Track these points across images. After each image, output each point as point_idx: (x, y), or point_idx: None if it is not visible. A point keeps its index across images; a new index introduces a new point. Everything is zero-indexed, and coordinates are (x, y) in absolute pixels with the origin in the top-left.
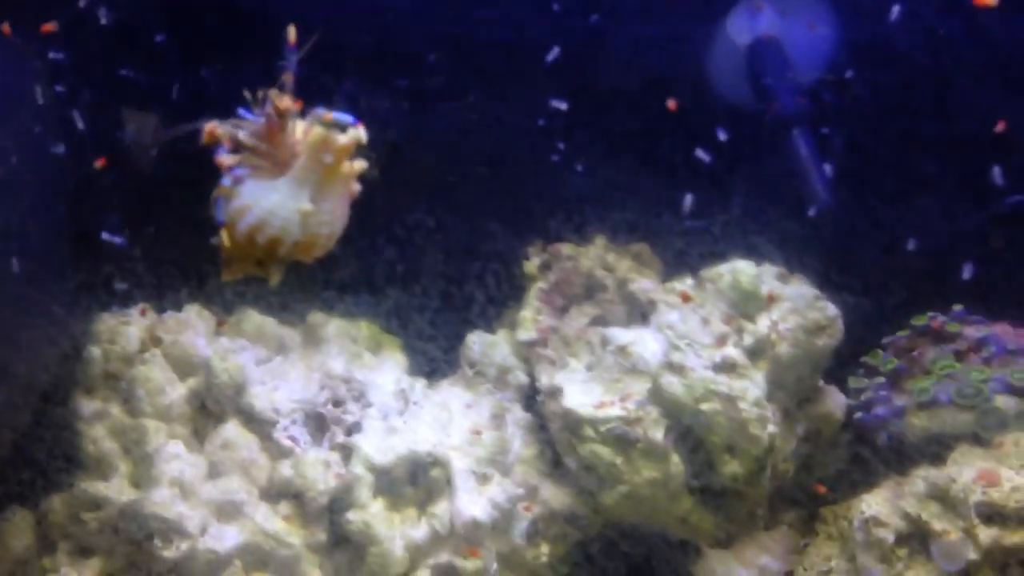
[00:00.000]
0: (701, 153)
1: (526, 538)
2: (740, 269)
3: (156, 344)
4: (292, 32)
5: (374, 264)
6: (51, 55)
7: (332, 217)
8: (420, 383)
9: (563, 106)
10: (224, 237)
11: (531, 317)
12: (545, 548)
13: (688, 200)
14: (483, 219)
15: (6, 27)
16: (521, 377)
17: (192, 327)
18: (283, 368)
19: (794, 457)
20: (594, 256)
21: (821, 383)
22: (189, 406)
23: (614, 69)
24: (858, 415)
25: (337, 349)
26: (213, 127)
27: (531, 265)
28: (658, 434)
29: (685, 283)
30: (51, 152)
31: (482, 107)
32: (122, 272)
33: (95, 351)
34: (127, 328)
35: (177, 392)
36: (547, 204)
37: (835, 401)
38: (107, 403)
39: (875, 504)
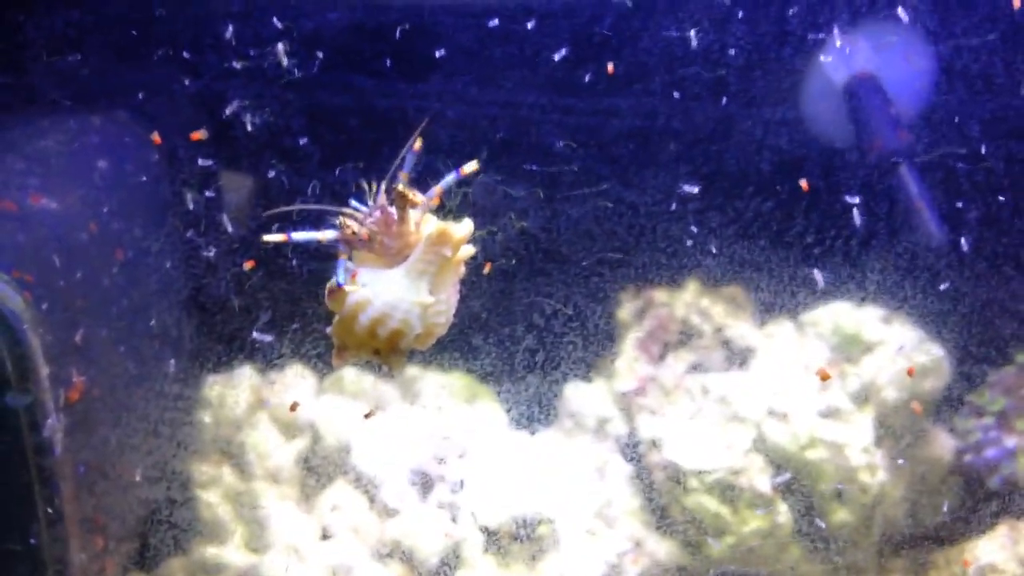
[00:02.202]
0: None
1: None
2: (841, 312)
3: (261, 407)
4: (419, 143)
5: (514, 353)
6: (200, 161)
7: (447, 306)
8: (521, 436)
9: (695, 189)
10: (341, 328)
11: (628, 366)
12: None
13: (819, 276)
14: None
15: (156, 137)
16: (621, 427)
17: (295, 388)
18: (385, 425)
19: (903, 502)
20: (688, 301)
21: (928, 425)
22: (297, 468)
23: (743, 152)
24: (968, 458)
25: (435, 404)
26: (346, 220)
27: (625, 312)
28: (764, 483)
29: (784, 327)
30: (201, 255)
31: (614, 193)
32: (229, 337)
33: (205, 417)
34: (234, 392)
35: (285, 454)
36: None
37: (942, 444)
38: (219, 467)
39: (991, 550)
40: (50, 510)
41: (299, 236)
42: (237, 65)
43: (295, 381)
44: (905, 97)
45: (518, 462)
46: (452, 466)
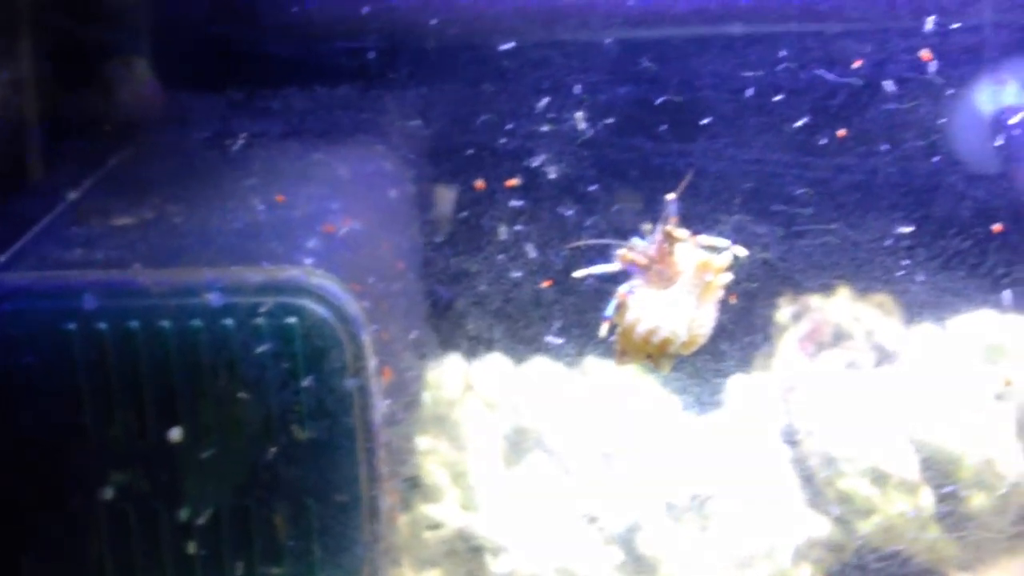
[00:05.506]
0: None
1: (791, 561)
2: (985, 320)
3: (470, 389)
4: (671, 196)
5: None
6: (511, 203)
7: (707, 320)
8: (690, 417)
9: (907, 230)
10: (623, 337)
11: (786, 362)
12: (807, 569)
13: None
14: None
15: (480, 183)
16: (780, 416)
17: (495, 374)
18: (570, 408)
19: None
20: (840, 306)
21: None
22: (501, 442)
23: (947, 200)
24: None
25: (610, 389)
26: (624, 252)
27: (782, 315)
28: (911, 470)
29: (931, 331)
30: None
31: (841, 232)
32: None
33: (427, 396)
34: (448, 376)
35: (489, 430)
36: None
37: None
38: (437, 439)
39: None
40: (372, 470)
41: (596, 270)
42: (544, 128)
43: (496, 368)
44: None
45: (688, 441)
46: (631, 441)
